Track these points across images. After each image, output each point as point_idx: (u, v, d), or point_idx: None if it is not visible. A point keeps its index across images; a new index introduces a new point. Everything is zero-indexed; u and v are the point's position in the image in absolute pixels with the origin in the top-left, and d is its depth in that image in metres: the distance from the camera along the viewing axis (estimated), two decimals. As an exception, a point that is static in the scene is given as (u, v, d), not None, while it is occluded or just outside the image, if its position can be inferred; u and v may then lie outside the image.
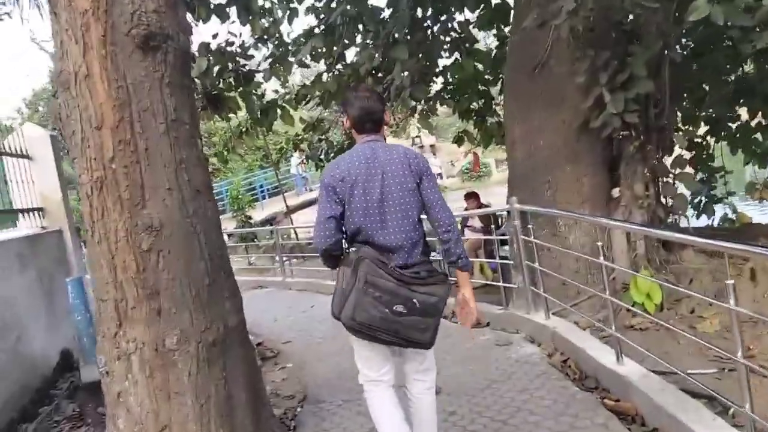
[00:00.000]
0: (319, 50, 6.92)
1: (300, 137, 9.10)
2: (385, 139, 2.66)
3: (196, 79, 6.03)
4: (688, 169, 5.31)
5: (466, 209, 8.40)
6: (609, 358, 3.71)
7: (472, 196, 8.20)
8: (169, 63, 2.72)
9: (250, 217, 14.37)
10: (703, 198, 6.83)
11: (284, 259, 10.30)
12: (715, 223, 6.97)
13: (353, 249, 2.50)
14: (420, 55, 6.11)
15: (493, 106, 9.06)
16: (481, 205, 8.10)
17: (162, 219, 2.67)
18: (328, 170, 2.54)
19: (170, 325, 2.70)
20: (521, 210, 5.00)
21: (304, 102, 8.22)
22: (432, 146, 35.76)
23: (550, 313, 4.88)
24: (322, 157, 8.65)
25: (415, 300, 2.35)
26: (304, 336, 6.56)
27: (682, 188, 5.17)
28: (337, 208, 2.46)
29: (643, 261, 4.86)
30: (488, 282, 7.49)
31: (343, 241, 2.54)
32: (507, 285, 5.46)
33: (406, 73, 5.85)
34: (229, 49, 6.67)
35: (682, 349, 3.99)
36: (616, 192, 5.14)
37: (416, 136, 31.57)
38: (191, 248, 2.78)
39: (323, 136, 8.34)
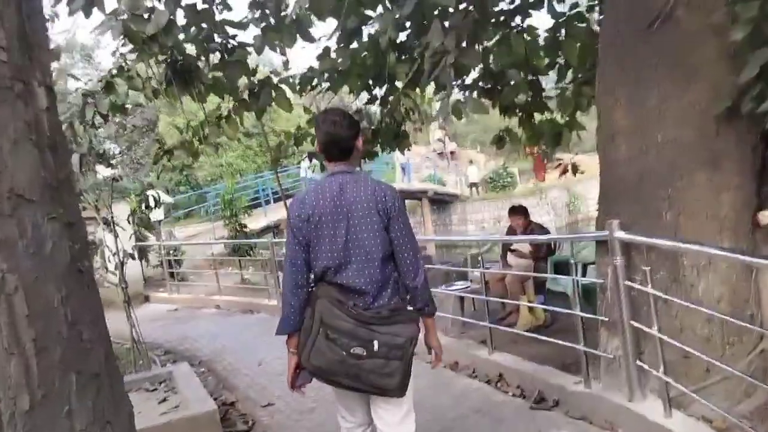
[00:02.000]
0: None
1: (302, 131, 7.30)
2: (358, 166, 2.76)
3: (153, 42, 4.31)
4: None
5: (509, 229, 6.58)
6: None
7: (518, 212, 6.40)
8: None
9: (244, 226, 12.63)
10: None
11: (279, 278, 8.52)
12: None
13: (314, 288, 2.41)
14: (470, 7, 4.31)
15: (544, 100, 7.29)
16: (529, 224, 6.29)
17: None
18: (293, 208, 2.43)
19: None
20: (626, 241, 3.21)
21: (309, 88, 6.51)
22: (452, 153, 34.03)
23: (669, 404, 3.08)
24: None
25: (375, 341, 2.23)
26: (293, 396, 4.79)
27: None
28: (304, 249, 2.38)
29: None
30: (540, 325, 5.71)
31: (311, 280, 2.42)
32: (590, 351, 3.64)
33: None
34: (206, 6, 4.95)
35: None
36: (766, 216, 3.32)
37: (439, 139, 29.79)
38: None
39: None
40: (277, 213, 16.60)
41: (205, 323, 8.47)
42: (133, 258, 5.76)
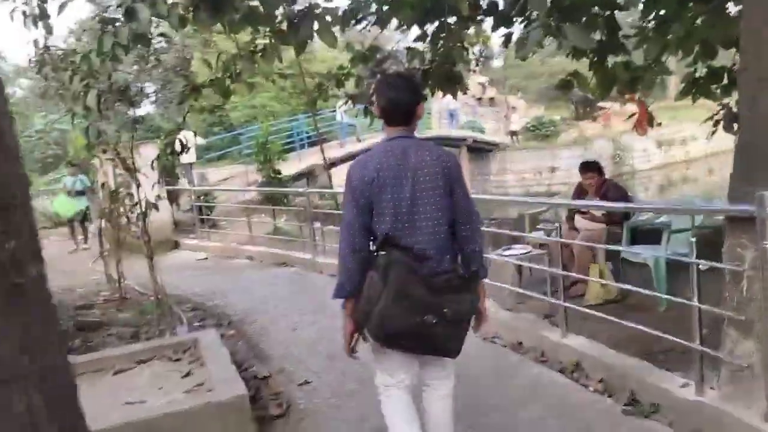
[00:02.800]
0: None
1: (345, 70, 6.55)
2: (414, 133, 2.48)
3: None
4: None
5: (578, 187, 5.78)
6: None
7: (591, 168, 5.58)
8: None
9: (278, 171, 11.97)
10: None
11: (315, 230, 7.93)
12: None
13: (383, 253, 2.30)
14: None
15: (620, 40, 6.33)
16: (603, 183, 5.49)
17: None
18: (354, 170, 2.38)
19: None
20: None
21: (353, 22, 5.73)
22: (491, 99, 32.66)
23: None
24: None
25: (446, 309, 2.26)
26: (335, 369, 4.23)
27: None
28: (366, 212, 2.33)
29: None
30: (612, 299, 5.00)
31: (371, 245, 2.36)
32: (708, 350, 2.93)
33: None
34: None
35: None
36: None
37: (480, 83, 28.39)
38: None
39: (378, 69, 5.81)
40: (311, 158, 15.90)
41: (236, 276, 7.97)
42: (157, 209, 5.17)
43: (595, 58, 6.30)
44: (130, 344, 4.89)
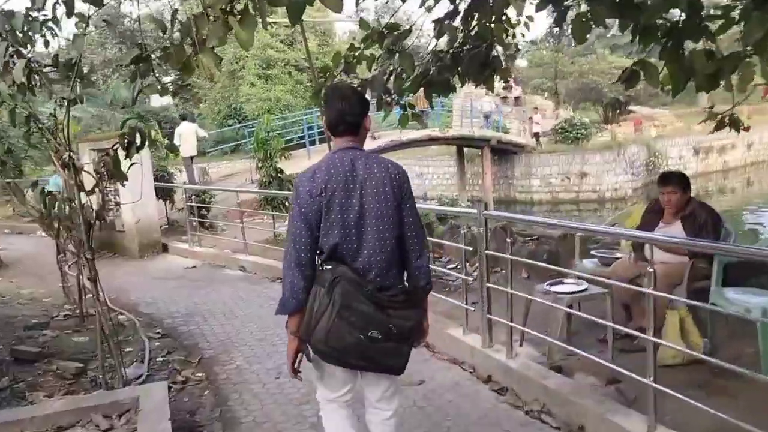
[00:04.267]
0: None
1: (355, 53, 5.35)
2: (362, 145, 2.45)
3: None
4: None
5: (652, 206, 4.52)
6: None
7: (672, 181, 4.27)
8: None
9: (280, 171, 10.77)
10: None
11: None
12: None
13: (328, 267, 2.28)
14: None
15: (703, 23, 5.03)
16: (688, 203, 4.22)
17: None
18: (302, 182, 2.34)
19: None
20: None
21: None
22: (517, 98, 31.25)
23: None
24: (391, 87, 4.95)
25: (391, 325, 2.24)
26: None
27: None
28: (313, 225, 2.29)
29: None
30: (695, 359, 3.72)
31: (317, 259, 2.33)
32: None
33: None
34: None
35: None
36: None
37: (505, 86, 26.92)
38: None
39: (394, 47, 4.60)
40: (321, 156, 14.71)
41: (223, 292, 6.79)
42: (103, 220, 3.99)
43: (669, 44, 4.99)
44: (53, 399, 3.73)
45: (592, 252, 5.00)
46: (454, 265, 6.65)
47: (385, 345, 2.23)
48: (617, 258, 4.87)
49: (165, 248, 9.36)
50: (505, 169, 24.01)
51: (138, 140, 3.96)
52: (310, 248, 2.30)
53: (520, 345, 4.24)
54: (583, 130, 23.10)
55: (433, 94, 5.06)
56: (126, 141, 3.95)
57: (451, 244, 5.33)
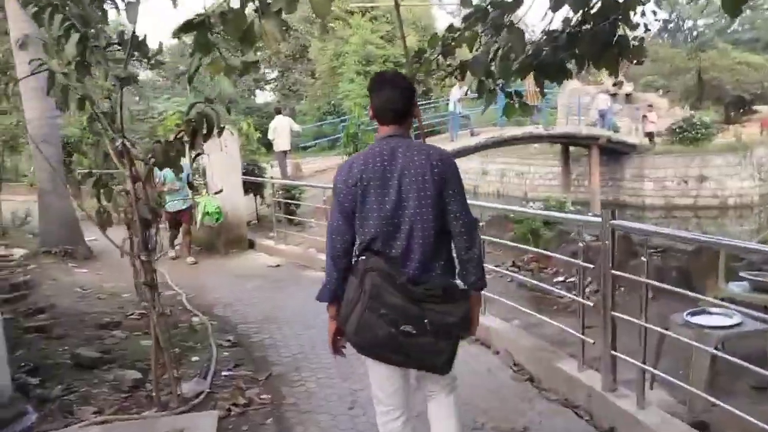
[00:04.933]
0: None
1: (456, 32, 4.69)
2: (409, 134, 2.39)
3: None
4: None
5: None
6: None
7: None
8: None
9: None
10: None
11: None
12: None
13: (362, 258, 2.26)
14: None
15: None
16: None
17: None
18: (339, 174, 2.32)
19: None
20: None
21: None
22: (628, 95, 29.20)
23: None
24: (495, 70, 4.22)
25: (426, 320, 2.15)
26: None
27: None
28: (349, 216, 2.27)
29: None
30: None
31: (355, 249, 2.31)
32: None
33: None
34: None
35: None
36: None
37: (616, 83, 25.13)
38: None
39: (501, 21, 3.87)
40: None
41: (302, 296, 6.28)
42: (149, 225, 3.51)
43: None
44: (96, 418, 3.31)
45: (741, 274, 4.03)
46: (562, 278, 5.80)
47: (419, 340, 2.15)
48: (775, 282, 3.89)
49: (251, 245, 9.06)
50: (614, 170, 22.31)
51: (205, 128, 3.49)
52: (346, 239, 2.28)
53: (650, 387, 3.39)
54: (703, 130, 21.00)
55: (546, 82, 4.29)
56: (192, 128, 3.47)
57: (565, 258, 4.49)
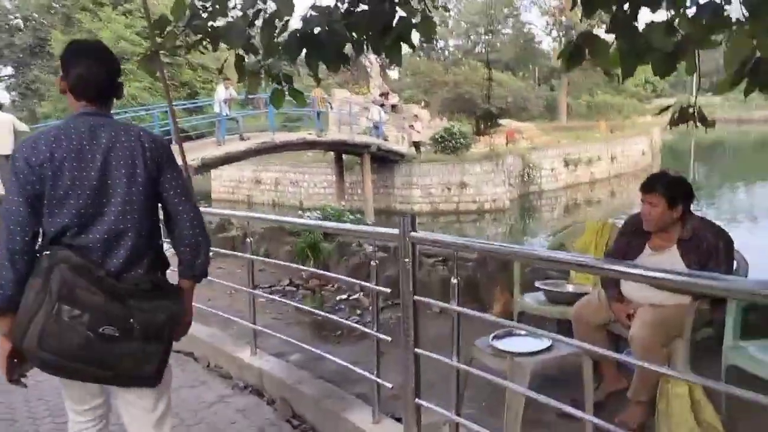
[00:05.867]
0: None
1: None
2: (108, 111, 2.05)
3: None
4: None
5: (631, 222, 3.29)
6: None
7: (654, 188, 3.03)
8: None
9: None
10: None
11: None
12: None
13: (47, 253, 1.86)
14: None
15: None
16: (682, 218, 3.01)
17: None
18: (23, 151, 1.89)
19: None
20: None
21: None
22: (394, 106, 30.52)
23: None
24: (258, 43, 3.44)
25: (133, 320, 1.85)
26: None
27: None
28: (34, 202, 1.87)
29: None
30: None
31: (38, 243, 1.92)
32: None
33: None
34: None
35: None
36: None
37: (383, 94, 26.04)
38: None
39: None
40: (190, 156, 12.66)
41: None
42: None
43: (620, 13, 3.82)
44: None
45: (537, 284, 3.71)
46: (345, 296, 5.15)
47: (124, 345, 1.83)
48: (568, 292, 3.63)
49: None
50: (385, 178, 22.95)
51: None
52: (28, 230, 1.88)
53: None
54: (462, 140, 22.61)
55: (321, 64, 3.60)
56: None
57: (357, 281, 3.75)
